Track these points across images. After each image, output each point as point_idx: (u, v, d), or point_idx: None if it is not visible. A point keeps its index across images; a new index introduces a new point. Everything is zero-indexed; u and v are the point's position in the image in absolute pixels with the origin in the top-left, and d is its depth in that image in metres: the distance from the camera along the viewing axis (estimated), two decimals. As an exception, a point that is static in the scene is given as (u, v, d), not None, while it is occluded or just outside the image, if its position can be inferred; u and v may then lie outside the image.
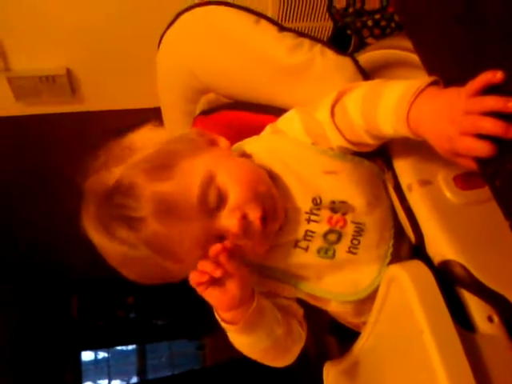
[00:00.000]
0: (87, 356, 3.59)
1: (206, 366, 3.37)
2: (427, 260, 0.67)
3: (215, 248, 0.63)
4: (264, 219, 0.67)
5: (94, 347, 3.60)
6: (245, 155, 0.74)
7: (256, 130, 0.79)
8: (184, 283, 0.67)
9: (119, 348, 3.71)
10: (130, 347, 3.69)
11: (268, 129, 0.77)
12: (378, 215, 0.73)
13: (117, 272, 0.69)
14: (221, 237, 0.66)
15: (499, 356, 0.61)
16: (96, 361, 3.70)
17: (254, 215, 0.66)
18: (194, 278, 0.63)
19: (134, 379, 3.60)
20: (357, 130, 0.67)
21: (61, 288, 3.09)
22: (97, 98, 1.71)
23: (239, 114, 0.85)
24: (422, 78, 0.59)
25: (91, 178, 0.68)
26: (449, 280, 0.64)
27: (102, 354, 3.70)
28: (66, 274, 2.93)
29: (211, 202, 0.65)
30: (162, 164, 0.66)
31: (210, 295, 0.65)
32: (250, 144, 0.76)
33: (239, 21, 0.81)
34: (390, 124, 0.62)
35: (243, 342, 0.70)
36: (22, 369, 2.60)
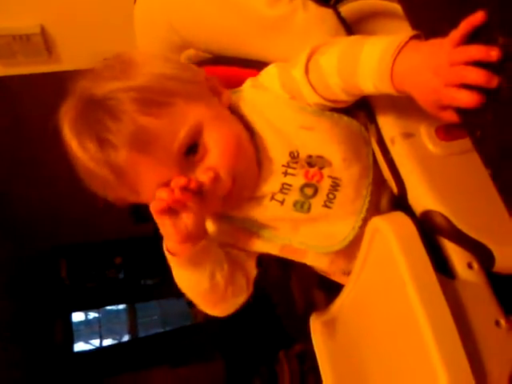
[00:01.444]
0: (78, 317, 3.63)
1: (197, 323, 3.43)
2: (409, 211, 0.67)
3: (179, 181, 0.64)
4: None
5: (84, 308, 3.63)
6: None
7: (238, 84, 0.77)
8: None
9: (109, 308, 3.75)
10: (121, 307, 3.73)
11: (248, 82, 0.76)
12: (355, 171, 0.73)
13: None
14: None
15: (479, 301, 0.63)
16: (87, 321, 3.74)
17: (226, 179, 0.67)
18: (153, 206, 0.65)
19: (126, 337, 3.66)
20: (332, 88, 0.67)
21: (49, 252, 3.10)
22: (74, 57, 1.66)
23: (221, 69, 0.83)
24: (403, 33, 0.58)
25: (82, 81, 0.67)
26: (430, 230, 0.65)
27: (92, 315, 3.75)
28: (53, 238, 2.94)
29: (189, 155, 0.66)
30: (156, 99, 0.65)
31: (163, 223, 0.66)
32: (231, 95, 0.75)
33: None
34: (371, 81, 0.61)
35: (183, 277, 0.72)
36: (13, 332, 2.63)
